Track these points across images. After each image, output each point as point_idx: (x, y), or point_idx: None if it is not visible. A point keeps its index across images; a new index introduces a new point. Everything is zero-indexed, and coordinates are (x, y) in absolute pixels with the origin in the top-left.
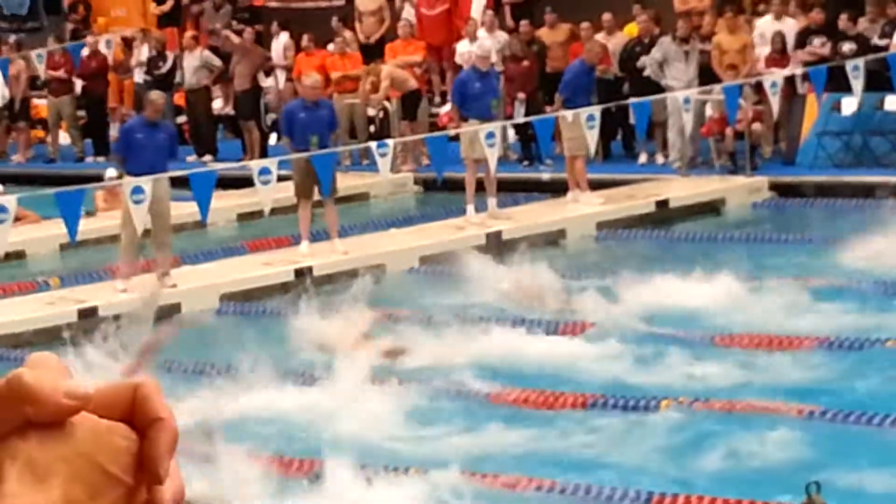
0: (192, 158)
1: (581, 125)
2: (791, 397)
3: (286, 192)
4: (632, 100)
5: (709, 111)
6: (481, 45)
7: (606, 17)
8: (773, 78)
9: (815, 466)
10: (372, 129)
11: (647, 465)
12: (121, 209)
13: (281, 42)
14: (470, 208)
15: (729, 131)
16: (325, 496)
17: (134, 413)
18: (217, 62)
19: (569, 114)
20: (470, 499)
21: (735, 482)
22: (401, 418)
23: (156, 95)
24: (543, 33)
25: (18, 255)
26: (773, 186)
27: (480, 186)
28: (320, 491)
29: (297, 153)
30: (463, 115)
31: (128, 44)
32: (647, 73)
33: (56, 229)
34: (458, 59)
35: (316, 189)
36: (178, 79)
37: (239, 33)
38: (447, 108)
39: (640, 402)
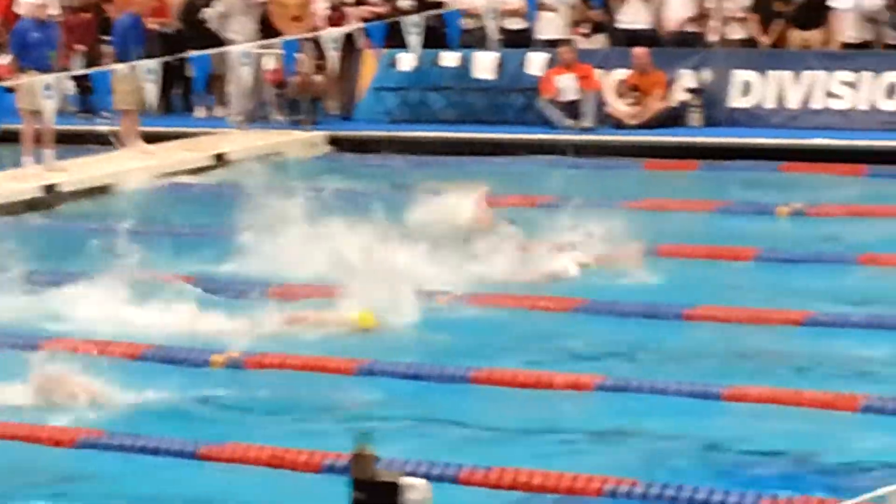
0: None
1: (133, 79)
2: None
3: None
4: (190, 53)
5: (268, 65)
6: None
7: None
8: (333, 33)
9: None
10: None
11: None
12: None
13: None
14: (26, 160)
15: (292, 84)
16: None
17: None
18: None
19: (122, 67)
20: None
21: None
22: None
23: None
24: None
25: None
26: (332, 141)
27: (38, 139)
28: None
29: None
30: (21, 65)
31: None
32: (208, 26)
33: None
34: (17, 10)
35: None
36: None
37: None
38: (4, 59)
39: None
